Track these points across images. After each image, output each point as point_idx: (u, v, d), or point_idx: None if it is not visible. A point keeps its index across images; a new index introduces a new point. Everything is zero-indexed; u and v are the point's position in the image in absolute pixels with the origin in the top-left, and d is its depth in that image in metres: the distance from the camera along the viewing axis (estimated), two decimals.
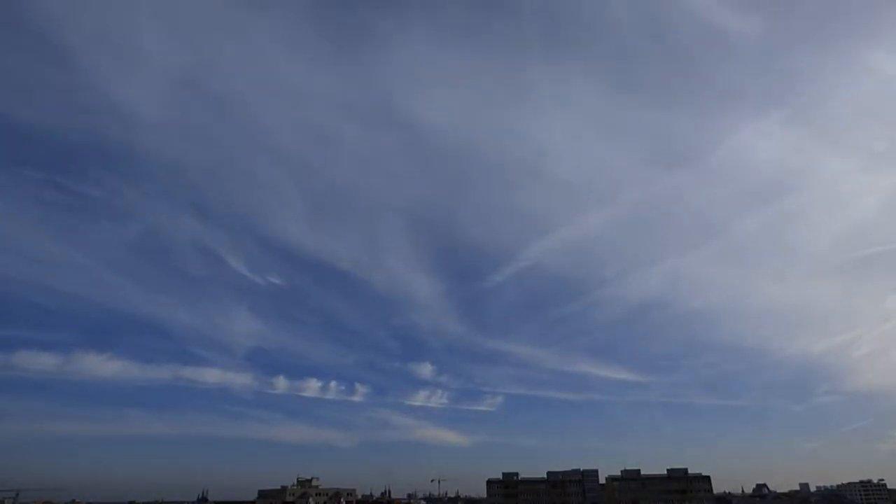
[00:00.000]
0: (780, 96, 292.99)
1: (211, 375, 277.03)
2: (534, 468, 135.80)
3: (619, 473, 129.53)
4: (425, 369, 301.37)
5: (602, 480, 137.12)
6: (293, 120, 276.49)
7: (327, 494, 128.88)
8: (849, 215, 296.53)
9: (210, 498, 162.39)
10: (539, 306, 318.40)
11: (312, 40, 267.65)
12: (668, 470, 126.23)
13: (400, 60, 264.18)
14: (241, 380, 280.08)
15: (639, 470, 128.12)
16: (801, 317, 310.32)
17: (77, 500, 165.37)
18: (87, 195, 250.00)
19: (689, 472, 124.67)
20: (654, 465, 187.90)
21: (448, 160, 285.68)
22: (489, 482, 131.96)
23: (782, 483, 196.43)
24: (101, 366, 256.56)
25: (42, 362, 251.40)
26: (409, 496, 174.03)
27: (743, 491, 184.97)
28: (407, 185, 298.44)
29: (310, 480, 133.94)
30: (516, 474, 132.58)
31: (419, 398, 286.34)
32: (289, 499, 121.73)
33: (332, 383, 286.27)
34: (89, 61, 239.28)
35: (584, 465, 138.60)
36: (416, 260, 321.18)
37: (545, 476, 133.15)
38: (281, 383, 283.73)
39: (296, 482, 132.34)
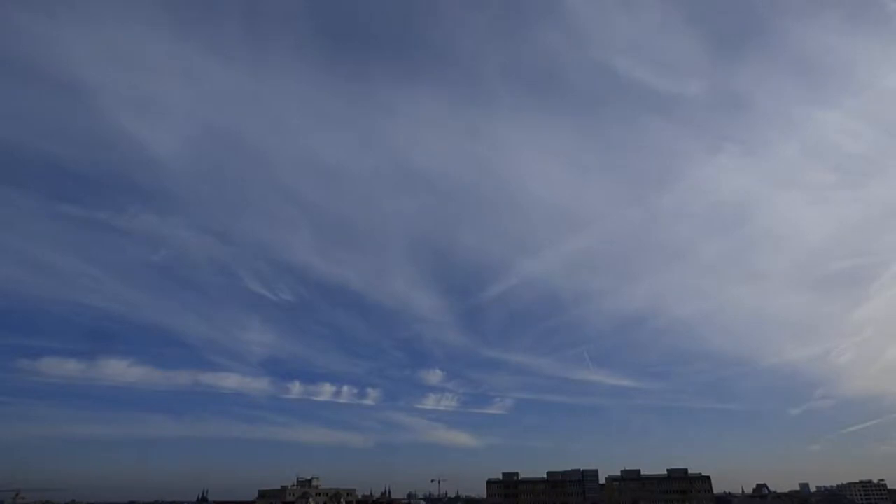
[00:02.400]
0: (730, 137, 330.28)
1: (229, 381, 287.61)
2: (544, 469, 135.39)
3: (618, 473, 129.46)
4: (434, 376, 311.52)
5: (602, 480, 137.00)
6: (305, 164, 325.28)
7: (327, 494, 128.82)
8: (805, 240, 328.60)
9: (210, 498, 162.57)
10: (532, 319, 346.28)
11: (323, 97, 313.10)
12: (668, 470, 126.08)
13: (400, 114, 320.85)
14: (257, 385, 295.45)
15: (639, 470, 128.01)
16: (777, 328, 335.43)
17: (77, 500, 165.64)
18: (123, 228, 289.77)
19: (689, 472, 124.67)
20: (655, 466, 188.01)
21: (443, 195, 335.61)
22: (489, 482, 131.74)
23: (782, 483, 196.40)
24: (125, 371, 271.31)
25: (67, 368, 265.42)
26: (409, 496, 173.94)
27: (743, 491, 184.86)
28: (407, 218, 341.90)
29: (310, 480, 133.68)
30: (516, 474, 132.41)
31: (429, 402, 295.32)
32: (289, 499, 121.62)
33: (345, 388, 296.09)
34: (125, 116, 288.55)
35: (586, 466, 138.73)
36: (417, 280, 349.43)
37: (545, 476, 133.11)
38: (296, 388, 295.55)
39: (296, 482, 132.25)
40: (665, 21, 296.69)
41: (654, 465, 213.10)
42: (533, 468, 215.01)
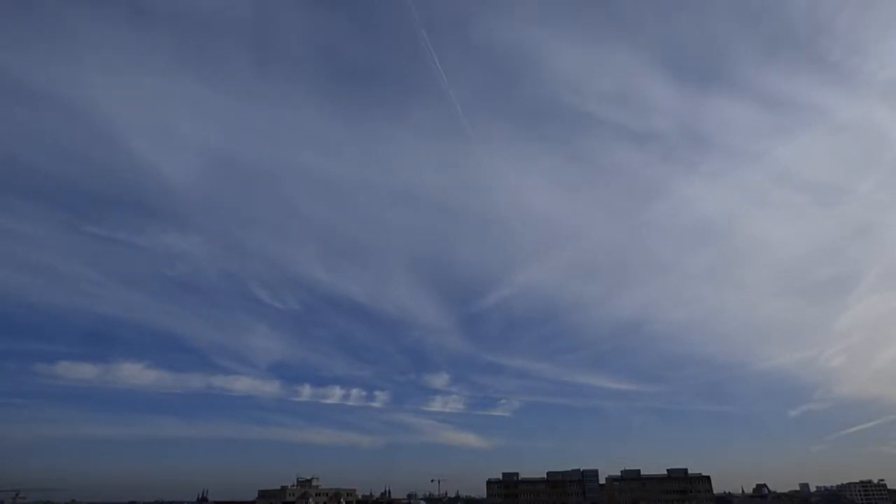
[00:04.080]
0: (701, 165, 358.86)
1: (239, 384, 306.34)
2: (551, 469, 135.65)
3: (618, 473, 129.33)
4: (440, 379, 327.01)
5: (602, 480, 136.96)
6: (311, 187, 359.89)
7: (327, 494, 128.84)
8: (783, 253, 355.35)
9: (210, 498, 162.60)
10: (529, 326, 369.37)
11: (327, 127, 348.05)
12: (668, 470, 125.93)
13: (398, 142, 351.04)
14: (268, 388, 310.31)
15: (639, 470, 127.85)
16: (766, 334, 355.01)
17: (77, 500, 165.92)
18: (141, 245, 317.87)
19: (689, 472, 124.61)
20: (656, 467, 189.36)
21: (440, 214, 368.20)
22: (489, 482, 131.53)
23: (782, 483, 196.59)
24: (138, 374, 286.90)
25: (82, 371, 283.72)
26: (409, 496, 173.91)
27: (743, 491, 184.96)
28: (407, 234, 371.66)
29: (310, 480, 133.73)
30: (516, 474, 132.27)
31: (436, 404, 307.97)
32: (289, 499, 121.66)
33: (354, 390, 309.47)
34: (145, 147, 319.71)
35: (587, 466, 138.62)
36: (418, 290, 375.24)
37: (545, 476, 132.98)
38: (306, 391, 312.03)
39: (296, 482, 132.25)
40: (636, 70, 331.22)
41: (655, 466, 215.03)
42: (540, 469, 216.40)
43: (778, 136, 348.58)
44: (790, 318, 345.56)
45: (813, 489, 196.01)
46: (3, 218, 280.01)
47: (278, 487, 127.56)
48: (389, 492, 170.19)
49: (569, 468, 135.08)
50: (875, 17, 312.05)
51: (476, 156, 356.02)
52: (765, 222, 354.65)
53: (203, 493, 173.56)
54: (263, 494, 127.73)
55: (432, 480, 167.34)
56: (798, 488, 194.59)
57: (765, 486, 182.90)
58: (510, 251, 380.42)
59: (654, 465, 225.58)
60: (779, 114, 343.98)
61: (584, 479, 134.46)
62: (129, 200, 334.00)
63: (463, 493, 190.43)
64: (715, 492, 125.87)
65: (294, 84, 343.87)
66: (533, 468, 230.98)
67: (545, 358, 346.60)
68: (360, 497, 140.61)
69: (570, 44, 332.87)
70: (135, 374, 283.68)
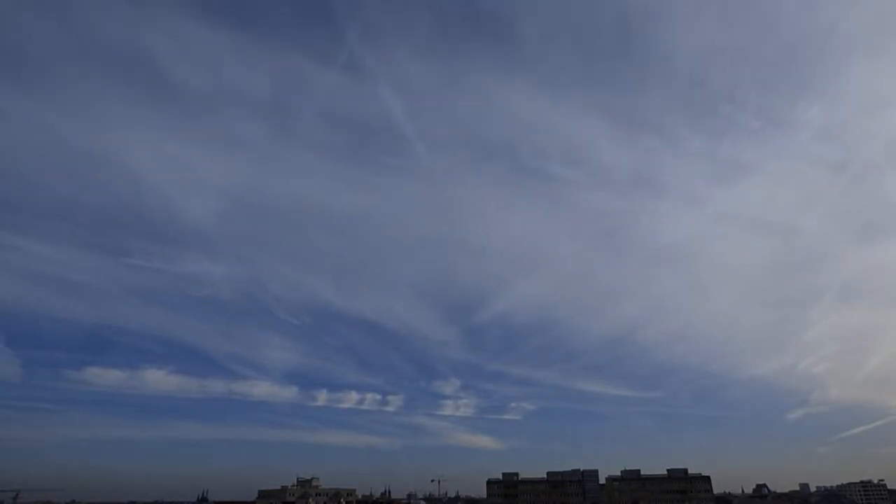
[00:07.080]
0: (654, 205, 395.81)
1: (258, 389, 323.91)
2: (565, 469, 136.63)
3: (618, 473, 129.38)
4: (450, 385, 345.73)
5: (602, 480, 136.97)
6: (323, 223, 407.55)
7: (327, 494, 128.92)
8: (749, 273, 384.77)
9: (210, 498, 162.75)
10: (526, 338, 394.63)
11: (334, 171, 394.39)
12: (668, 470, 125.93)
13: (396, 185, 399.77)
14: (285, 393, 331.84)
15: (639, 470, 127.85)
16: (744, 345, 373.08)
17: (77, 500, 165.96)
18: (177, 273, 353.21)
19: (689, 472, 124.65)
20: (657, 467, 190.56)
21: (436, 242, 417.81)
22: (489, 482, 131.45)
23: (782, 484, 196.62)
24: (162, 380, 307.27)
25: (110, 377, 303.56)
26: (409, 496, 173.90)
27: (743, 491, 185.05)
28: (408, 260, 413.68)
29: (310, 480, 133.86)
30: (516, 474, 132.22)
31: (447, 409, 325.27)
32: (289, 499, 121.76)
33: (369, 395, 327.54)
34: (174, 194, 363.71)
35: (587, 466, 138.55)
36: (421, 307, 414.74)
37: (545, 476, 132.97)
38: (322, 396, 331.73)
39: (296, 482, 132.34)
40: (591, 133, 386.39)
41: (655, 467, 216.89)
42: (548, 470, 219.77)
43: (718, 183, 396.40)
44: (764, 330, 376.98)
45: (813, 489, 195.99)
46: (54, 249, 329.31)
47: (278, 487, 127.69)
48: (389, 492, 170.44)
49: (589, 468, 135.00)
50: (783, 94, 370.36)
51: (463, 197, 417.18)
52: (721, 250, 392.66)
53: (203, 494, 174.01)
54: (263, 494, 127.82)
55: (432, 480, 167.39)
56: (798, 488, 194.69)
57: (765, 486, 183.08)
58: (502, 272, 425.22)
59: (654, 465, 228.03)
60: (717, 165, 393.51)
61: (584, 479, 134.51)
62: (161, 235, 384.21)
63: (464, 493, 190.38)
64: (715, 492, 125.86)
65: (304, 138, 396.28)
66: (541, 469, 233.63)
67: (544, 367, 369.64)
68: (359, 497, 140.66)
69: (536, 115, 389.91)
70: (158, 379, 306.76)
